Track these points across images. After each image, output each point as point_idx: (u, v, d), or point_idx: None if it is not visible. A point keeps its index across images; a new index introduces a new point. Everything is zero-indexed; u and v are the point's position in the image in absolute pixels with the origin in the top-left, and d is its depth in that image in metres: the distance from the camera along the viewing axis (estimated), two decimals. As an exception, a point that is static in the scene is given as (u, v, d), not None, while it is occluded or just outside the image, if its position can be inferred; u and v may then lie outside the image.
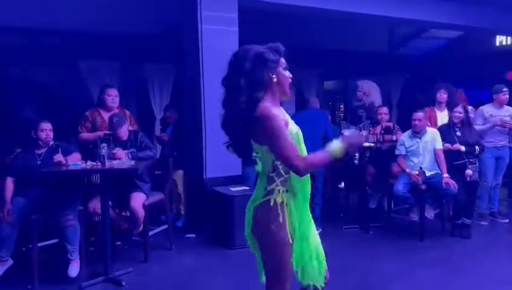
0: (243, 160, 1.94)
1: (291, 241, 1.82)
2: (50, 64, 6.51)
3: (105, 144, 3.61)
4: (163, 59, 6.96)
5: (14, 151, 4.24)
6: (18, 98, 7.33)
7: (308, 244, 1.90)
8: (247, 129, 1.79)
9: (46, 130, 3.78)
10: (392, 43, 9.85)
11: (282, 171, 1.84)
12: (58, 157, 3.64)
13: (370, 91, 5.77)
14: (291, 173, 1.82)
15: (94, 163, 3.56)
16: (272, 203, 1.82)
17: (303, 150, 1.90)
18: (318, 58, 8.06)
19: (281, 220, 1.80)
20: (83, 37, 6.21)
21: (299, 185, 1.88)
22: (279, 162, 1.82)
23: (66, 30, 6.07)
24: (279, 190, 1.84)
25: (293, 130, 1.86)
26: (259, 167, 1.88)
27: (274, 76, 1.84)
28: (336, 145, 1.82)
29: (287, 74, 1.90)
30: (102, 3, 5.54)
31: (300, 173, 1.76)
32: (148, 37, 6.53)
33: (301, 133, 1.92)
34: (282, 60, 1.89)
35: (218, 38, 4.55)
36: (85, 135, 4.32)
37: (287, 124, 1.83)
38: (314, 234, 1.98)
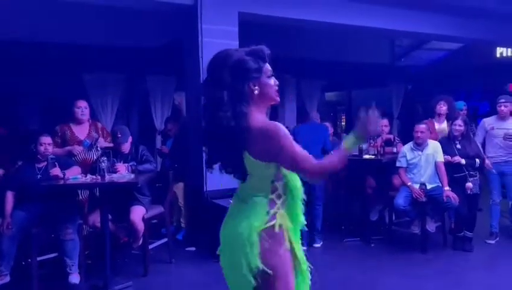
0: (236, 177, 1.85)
1: (292, 269, 1.73)
2: (54, 77, 6.55)
3: (105, 158, 3.62)
4: (165, 72, 7.00)
5: (16, 164, 4.25)
6: (22, 110, 7.40)
7: (305, 269, 1.82)
8: (238, 145, 1.66)
9: (45, 144, 3.79)
10: (394, 54, 9.88)
11: (280, 191, 1.75)
12: (55, 171, 3.65)
13: None
14: (287, 194, 1.75)
15: (94, 177, 3.57)
16: (277, 229, 1.70)
17: None
18: (320, 69, 8.08)
19: (287, 245, 1.70)
20: (86, 50, 6.26)
21: (298, 207, 1.79)
22: (278, 182, 1.73)
23: (70, 43, 6.13)
24: (281, 214, 1.73)
25: None
26: (249, 185, 1.74)
27: (256, 88, 1.69)
28: (349, 137, 1.76)
29: (272, 81, 1.75)
30: (106, 17, 5.60)
31: (315, 176, 1.70)
32: (150, 50, 6.57)
33: None
34: (267, 66, 1.74)
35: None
36: (55, 150, 4.07)
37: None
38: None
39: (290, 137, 1.67)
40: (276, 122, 1.68)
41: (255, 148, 1.65)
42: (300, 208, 1.82)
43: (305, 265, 1.82)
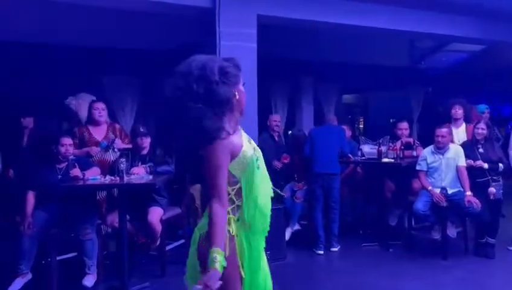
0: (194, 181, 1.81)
1: (240, 277, 1.68)
2: (74, 80, 6.65)
3: (124, 159, 3.65)
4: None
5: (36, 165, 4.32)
6: (42, 113, 7.52)
7: (258, 279, 1.75)
8: (198, 145, 1.67)
9: (66, 144, 3.85)
10: (413, 56, 9.73)
11: (233, 197, 1.71)
12: (75, 171, 3.70)
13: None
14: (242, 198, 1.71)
15: (112, 177, 3.60)
16: None
17: (262, 173, 1.78)
18: (337, 72, 8.01)
19: (227, 253, 1.62)
20: (105, 53, 6.33)
21: (257, 213, 1.73)
22: (229, 187, 1.69)
23: (89, 47, 6.21)
24: (229, 218, 1.68)
25: (247, 153, 1.71)
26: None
27: (236, 93, 1.70)
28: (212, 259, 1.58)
29: (243, 89, 1.76)
30: (124, 21, 5.65)
31: (211, 211, 1.62)
32: (169, 53, 6.60)
33: (261, 155, 1.80)
34: (241, 77, 1.75)
35: (237, 54, 4.50)
36: (73, 151, 4.09)
37: (238, 149, 1.70)
38: (264, 266, 1.83)
39: (224, 157, 1.64)
40: (225, 139, 1.65)
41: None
42: (263, 215, 1.76)
43: (258, 277, 1.75)
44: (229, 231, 1.68)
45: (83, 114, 4.65)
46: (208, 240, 1.61)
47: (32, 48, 6.02)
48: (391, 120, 10.12)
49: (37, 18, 5.35)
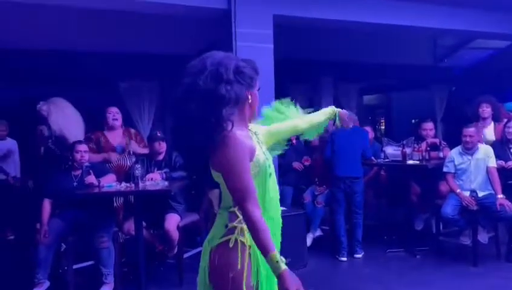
0: (199, 187, 1.71)
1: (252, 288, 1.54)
2: (91, 86, 6.67)
3: (139, 165, 3.58)
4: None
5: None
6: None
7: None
8: (207, 150, 1.53)
9: (81, 151, 3.80)
10: (436, 54, 9.48)
11: None
12: (90, 179, 3.66)
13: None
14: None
15: (128, 184, 3.53)
16: (231, 244, 1.54)
17: (273, 180, 1.66)
18: (357, 71, 7.85)
19: (239, 266, 1.52)
20: (121, 58, 6.33)
21: (270, 222, 1.58)
22: None
23: (105, 52, 6.22)
24: (241, 228, 1.56)
25: (260, 158, 1.59)
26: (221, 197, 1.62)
27: (250, 96, 1.60)
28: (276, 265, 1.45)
29: (257, 94, 1.67)
30: (140, 25, 5.63)
31: (249, 218, 1.46)
32: (185, 57, 6.54)
33: (272, 163, 1.67)
34: (257, 79, 1.65)
35: (253, 55, 4.40)
36: (91, 156, 4.06)
37: (253, 152, 1.57)
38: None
39: (244, 151, 1.51)
40: (238, 137, 1.51)
41: (214, 156, 1.53)
42: (276, 224, 1.66)
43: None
44: (242, 241, 1.56)
45: (54, 119, 4.48)
46: (259, 249, 1.47)
47: (50, 55, 6.05)
48: (413, 120, 9.92)
49: (55, 25, 5.38)
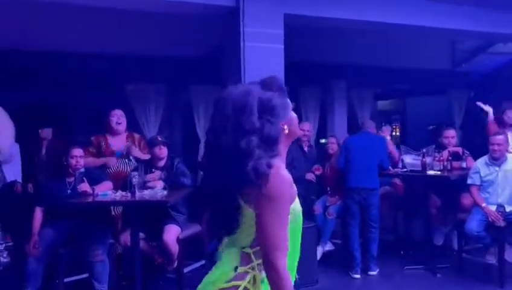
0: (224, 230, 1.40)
1: None
2: (96, 88, 6.52)
3: (136, 173, 3.33)
4: (207, 81, 6.78)
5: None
6: (70, 122, 7.45)
7: None
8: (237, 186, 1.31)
9: (76, 156, 3.58)
10: (455, 59, 9.17)
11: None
12: (83, 186, 3.43)
13: None
14: None
15: (124, 193, 3.28)
16: None
17: (299, 234, 1.43)
18: (372, 75, 7.57)
19: None
20: (128, 60, 6.16)
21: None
22: None
23: (112, 54, 6.06)
24: (254, 276, 1.30)
25: (296, 208, 1.38)
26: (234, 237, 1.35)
27: (286, 127, 1.38)
28: None
29: (294, 115, 1.46)
30: (146, 27, 5.46)
31: (277, 271, 1.25)
32: (192, 60, 6.39)
33: (301, 215, 1.44)
34: (288, 99, 1.44)
35: (262, 56, 4.22)
36: (89, 160, 3.92)
37: (294, 197, 1.36)
38: None
39: (287, 205, 1.29)
40: (283, 173, 1.29)
41: (251, 190, 1.28)
42: (293, 275, 1.39)
43: None
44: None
45: None
46: None
47: (54, 57, 5.93)
48: (430, 127, 9.58)
49: (59, 26, 5.23)
